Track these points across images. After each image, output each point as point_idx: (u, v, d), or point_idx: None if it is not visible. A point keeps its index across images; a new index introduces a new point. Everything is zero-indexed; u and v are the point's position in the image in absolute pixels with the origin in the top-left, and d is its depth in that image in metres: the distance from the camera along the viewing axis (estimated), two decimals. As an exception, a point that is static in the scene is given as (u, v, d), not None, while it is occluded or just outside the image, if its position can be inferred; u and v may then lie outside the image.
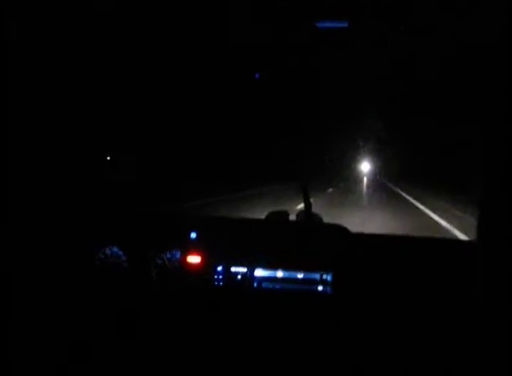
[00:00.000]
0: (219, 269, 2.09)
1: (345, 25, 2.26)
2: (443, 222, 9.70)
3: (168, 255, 2.15)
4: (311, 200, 2.33)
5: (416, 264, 1.99)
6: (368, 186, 27.37)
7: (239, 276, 2.07)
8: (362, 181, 30.85)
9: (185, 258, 2.12)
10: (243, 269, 2.07)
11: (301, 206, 2.40)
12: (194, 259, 2.11)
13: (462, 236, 8.08)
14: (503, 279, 1.69)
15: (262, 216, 2.50)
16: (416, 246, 2.14)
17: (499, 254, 1.70)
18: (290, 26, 2.47)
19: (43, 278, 2.13)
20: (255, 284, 2.06)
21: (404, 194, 19.32)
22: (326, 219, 2.45)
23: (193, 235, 2.15)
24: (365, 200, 17.71)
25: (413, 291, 1.94)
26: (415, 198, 16.57)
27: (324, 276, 2.02)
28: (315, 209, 2.34)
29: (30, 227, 2.15)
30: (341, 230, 2.17)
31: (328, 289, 2.01)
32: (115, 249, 2.18)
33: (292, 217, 2.50)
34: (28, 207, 2.15)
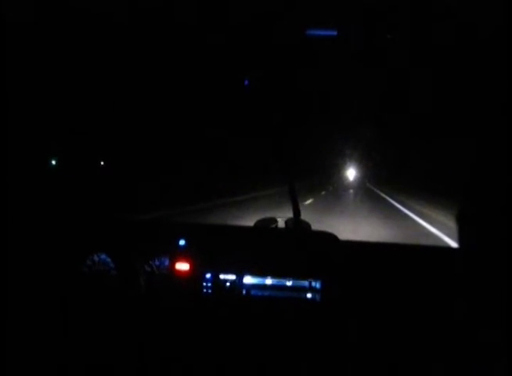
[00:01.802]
0: (208, 276, 2.08)
1: (334, 33, 2.27)
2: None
3: (157, 262, 2.14)
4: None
5: (404, 271, 2.00)
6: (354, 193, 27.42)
7: (227, 284, 2.07)
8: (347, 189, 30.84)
9: (173, 266, 2.11)
10: (232, 277, 2.07)
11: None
12: (183, 266, 2.10)
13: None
14: (485, 284, 1.71)
15: (251, 223, 2.50)
16: (404, 253, 2.15)
17: (479, 261, 1.73)
18: (280, 34, 2.47)
19: (30, 283, 2.11)
20: (244, 292, 2.06)
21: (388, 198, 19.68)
22: (316, 226, 2.45)
23: (182, 242, 2.15)
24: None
25: (402, 298, 1.95)
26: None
27: (313, 284, 2.02)
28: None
29: (18, 232, 2.13)
30: (330, 237, 2.17)
31: (317, 296, 2.01)
32: (103, 256, 2.17)
33: (281, 224, 2.49)
34: (16, 212, 2.13)
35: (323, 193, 21.35)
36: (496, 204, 1.67)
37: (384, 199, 20.46)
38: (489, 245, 1.72)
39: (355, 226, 9.36)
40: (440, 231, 9.32)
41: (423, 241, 7.83)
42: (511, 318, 1.59)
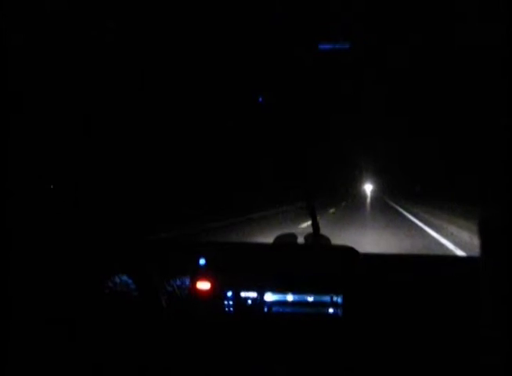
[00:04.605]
0: (229, 294, 2.07)
1: (347, 47, 2.28)
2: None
3: (178, 282, 2.14)
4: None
5: (425, 284, 1.97)
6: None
7: (249, 301, 2.05)
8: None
9: (194, 285, 2.10)
10: (253, 294, 2.05)
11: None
12: (204, 286, 2.09)
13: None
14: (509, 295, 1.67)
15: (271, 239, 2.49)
16: (424, 265, 2.13)
17: (504, 271, 1.69)
18: (293, 48, 2.49)
19: (52, 306, 2.11)
20: (266, 309, 2.04)
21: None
22: (335, 241, 2.44)
23: (202, 261, 2.14)
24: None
25: (424, 311, 1.92)
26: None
27: (334, 299, 2.00)
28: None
29: (38, 254, 2.14)
30: (350, 252, 2.15)
31: (339, 311, 1.99)
32: (124, 277, 2.17)
33: (300, 240, 2.48)
34: (37, 233, 2.14)
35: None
36: None
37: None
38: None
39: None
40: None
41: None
42: None
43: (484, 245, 1.81)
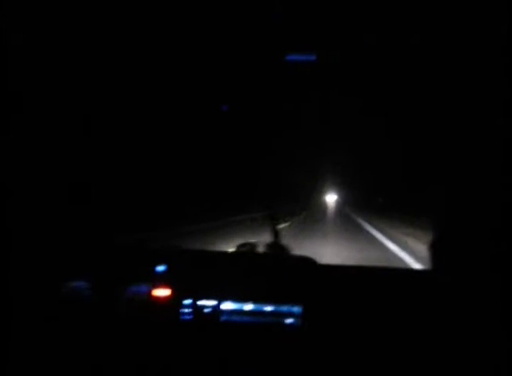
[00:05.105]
0: (187, 302, 2.05)
1: (313, 58, 2.30)
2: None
3: (135, 289, 2.10)
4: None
5: (383, 294, 2.00)
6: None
7: (207, 310, 2.04)
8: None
9: (152, 292, 2.08)
10: (212, 303, 2.04)
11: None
12: (162, 293, 2.07)
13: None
14: (461, 303, 1.73)
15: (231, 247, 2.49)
16: (382, 277, 2.15)
17: (454, 285, 1.75)
18: (258, 59, 2.50)
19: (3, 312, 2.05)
20: (223, 318, 2.03)
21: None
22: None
23: (161, 268, 2.12)
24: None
25: (382, 321, 1.94)
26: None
27: (293, 309, 2.00)
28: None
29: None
30: (309, 262, 2.17)
31: (297, 321, 1.99)
32: (81, 283, 2.13)
33: (261, 248, 2.49)
34: None
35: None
36: (468, 232, 1.73)
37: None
38: (458, 268, 1.77)
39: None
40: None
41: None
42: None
43: (434, 263, 1.89)
